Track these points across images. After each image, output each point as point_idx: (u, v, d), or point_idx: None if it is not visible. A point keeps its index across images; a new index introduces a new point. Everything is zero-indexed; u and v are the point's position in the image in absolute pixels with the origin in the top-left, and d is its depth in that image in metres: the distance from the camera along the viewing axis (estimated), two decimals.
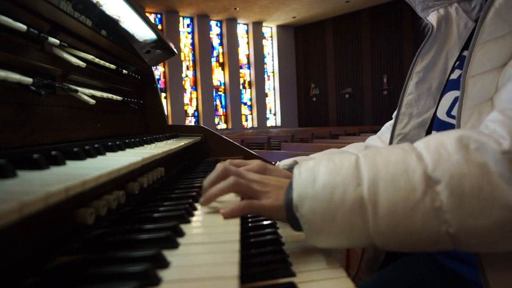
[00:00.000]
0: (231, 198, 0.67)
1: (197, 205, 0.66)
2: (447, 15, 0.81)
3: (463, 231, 0.46)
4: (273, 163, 0.83)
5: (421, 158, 0.49)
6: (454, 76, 0.81)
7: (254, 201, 0.57)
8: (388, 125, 1.06)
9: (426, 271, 0.79)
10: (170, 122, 4.33)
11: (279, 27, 13.96)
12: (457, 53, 0.82)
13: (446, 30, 0.81)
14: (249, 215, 0.73)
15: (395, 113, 0.91)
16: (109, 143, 0.72)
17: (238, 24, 13.12)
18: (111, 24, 1.07)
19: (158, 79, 10.75)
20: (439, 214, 0.46)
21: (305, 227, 0.51)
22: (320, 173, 0.52)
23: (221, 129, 12.61)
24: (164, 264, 0.40)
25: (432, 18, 0.82)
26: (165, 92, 11.40)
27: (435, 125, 0.82)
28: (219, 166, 0.63)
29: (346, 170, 0.51)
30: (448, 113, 0.78)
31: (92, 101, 0.88)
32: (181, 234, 0.51)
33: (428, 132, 0.85)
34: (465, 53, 0.80)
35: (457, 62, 0.81)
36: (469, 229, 0.46)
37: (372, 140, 1.06)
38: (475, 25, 0.79)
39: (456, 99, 0.77)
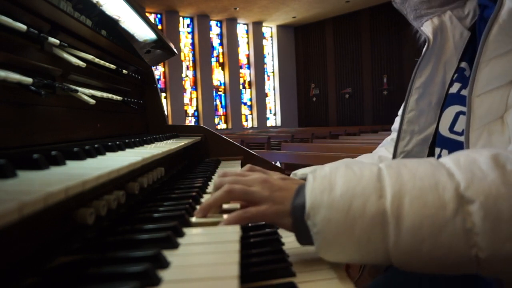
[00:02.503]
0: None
1: (197, 206, 0.66)
2: (441, 25, 0.79)
3: (496, 256, 0.43)
4: (278, 164, 0.81)
5: (451, 174, 0.45)
6: (453, 90, 0.79)
7: (250, 208, 0.53)
8: (389, 139, 1.04)
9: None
10: (170, 122, 4.33)
11: (279, 27, 13.96)
12: (455, 65, 0.80)
13: (442, 41, 0.80)
14: None
15: (394, 126, 0.88)
16: (109, 143, 0.72)
17: (238, 24, 13.12)
18: (111, 24, 1.07)
19: (158, 79, 10.75)
20: (469, 236, 0.43)
21: (316, 237, 0.47)
22: (338, 181, 0.48)
23: (221, 129, 12.61)
24: (164, 264, 0.40)
25: (427, 29, 0.80)
26: (165, 92, 11.40)
27: (438, 141, 0.81)
28: (216, 180, 0.59)
29: (367, 180, 0.47)
30: (451, 129, 0.77)
31: (92, 101, 0.88)
32: (181, 234, 0.51)
33: (431, 149, 0.83)
34: (463, 64, 0.79)
35: (455, 75, 0.80)
36: (503, 255, 0.42)
37: (383, 153, 1.02)
38: (471, 34, 0.78)
39: (457, 114, 0.76)
